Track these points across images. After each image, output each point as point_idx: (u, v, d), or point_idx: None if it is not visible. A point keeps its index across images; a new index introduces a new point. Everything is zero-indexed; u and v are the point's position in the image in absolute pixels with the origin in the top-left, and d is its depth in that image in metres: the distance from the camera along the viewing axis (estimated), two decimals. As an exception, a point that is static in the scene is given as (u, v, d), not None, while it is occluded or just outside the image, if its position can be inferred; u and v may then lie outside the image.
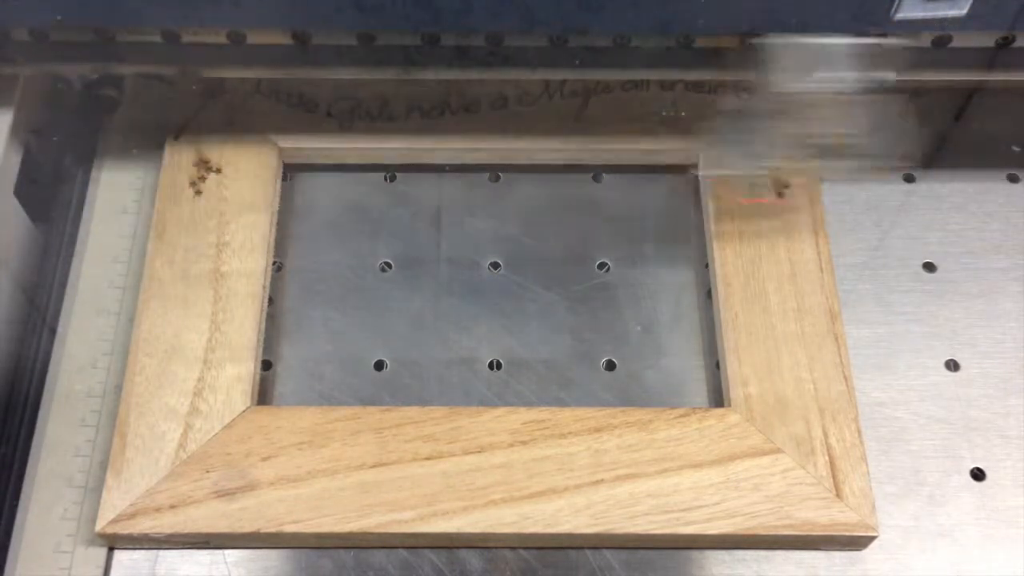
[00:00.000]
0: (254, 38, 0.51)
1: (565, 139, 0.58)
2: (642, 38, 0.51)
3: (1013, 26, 0.47)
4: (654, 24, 0.48)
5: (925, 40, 0.51)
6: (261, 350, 0.52)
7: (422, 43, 0.52)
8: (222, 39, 0.51)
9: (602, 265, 0.57)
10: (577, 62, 0.53)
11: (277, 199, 0.56)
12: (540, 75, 0.56)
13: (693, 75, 0.57)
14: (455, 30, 0.49)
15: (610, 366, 0.54)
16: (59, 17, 0.47)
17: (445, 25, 0.47)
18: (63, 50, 0.52)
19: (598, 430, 0.49)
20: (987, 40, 0.51)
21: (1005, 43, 0.50)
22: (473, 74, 0.55)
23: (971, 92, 0.61)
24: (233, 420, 0.49)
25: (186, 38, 0.50)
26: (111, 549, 0.49)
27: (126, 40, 0.51)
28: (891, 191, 0.59)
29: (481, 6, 0.46)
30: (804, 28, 0.48)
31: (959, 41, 0.50)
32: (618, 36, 0.50)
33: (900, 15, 0.46)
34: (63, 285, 0.55)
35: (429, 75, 0.55)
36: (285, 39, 0.50)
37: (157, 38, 0.50)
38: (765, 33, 0.49)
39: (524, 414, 0.50)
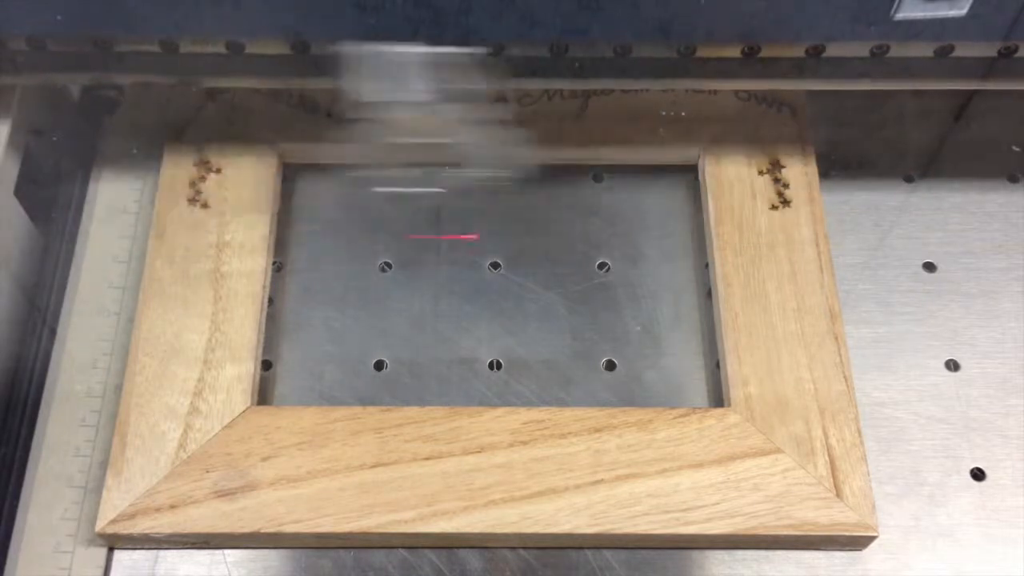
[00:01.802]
0: (253, 48, 0.51)
1: (565, 139, 0.58)
2: (642, 48, 0.51)
3: (1012, 27, 0.47)
4: (653, 32, 0.47)
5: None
6: (261, 350, 0.52)
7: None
8: (221, 48, 0.50)
9: (602, 265, 0.57)
10: (576, 64, 0.53)
11: (277, 199, 0.57)
12: (538, 84, 0.56)
13: (694, 84, 0.56)
14: (455, 35, 0.48)
15: (610, 366, 0.54)
16: (59, 17, 0.47)
17: (445, 27, 0.47)
18: (61, 60, 0.51)
19: (598, 430, 0.49)
20: (989, 50, 0.51)
21: (1007, 53, 0.50)
22: (472, 85, 0.54)
23: (971, 93, 0.61)
24: (233, 420, 0.49)
25: (184, 48, 0.50)
26: (111, 549, 0.49)
27: (124, 50, 0.51)
28: (891, 191, 0.59)
29: (481, 7, 0.46)
30: (804, 30, 0.48)
31: (961, 51, 0.50)
32: (618, 46, 0.50)
33: (900, 15, 0.46)
34: (63, 285, 0.55)
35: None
36: (284, 49, 0.50)
37: (155, 47, 0.50)
38: (765, 40, 0.49)
39: (524, 414, 0.50)
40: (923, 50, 0.50)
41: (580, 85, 0.57)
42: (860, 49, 0.50)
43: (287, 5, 0.47)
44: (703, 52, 0.50)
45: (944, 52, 0.50)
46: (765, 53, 0.50)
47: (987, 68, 0.51)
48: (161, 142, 0.57)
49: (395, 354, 0.54)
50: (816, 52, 0.50)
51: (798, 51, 0.50)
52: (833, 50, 0.50)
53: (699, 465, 0.48)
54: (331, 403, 0.53)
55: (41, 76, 0.52)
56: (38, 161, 0.56)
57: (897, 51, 0.50)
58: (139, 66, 0.52)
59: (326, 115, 0.58)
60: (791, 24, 0.48)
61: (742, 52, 0.50)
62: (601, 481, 0.48)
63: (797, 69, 0.51)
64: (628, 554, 0.49)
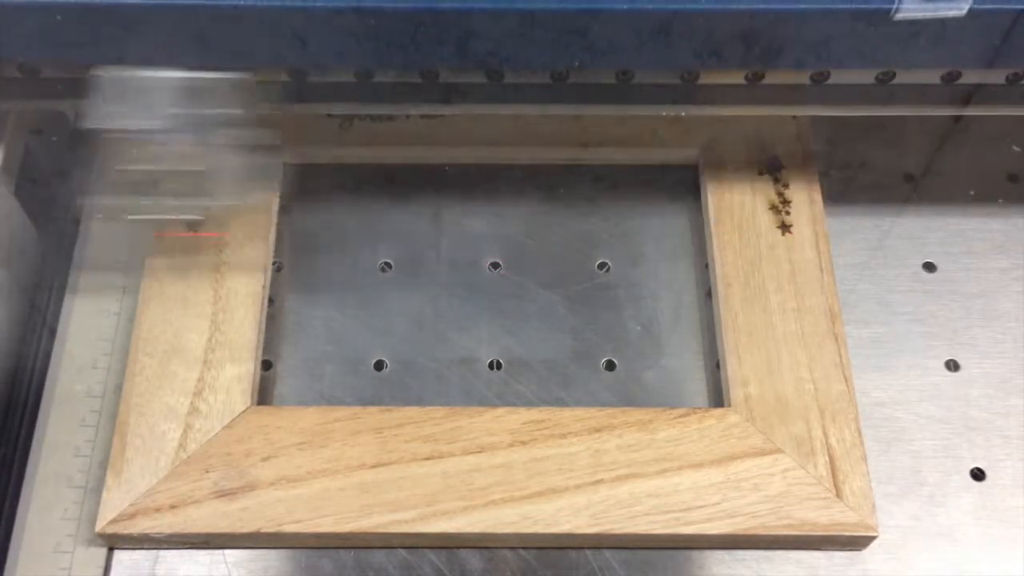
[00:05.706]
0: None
1: (565, 139, 0.58)
2: (644, 73, 0.50)
3: (1012, 27, 0.47)
4: (654, 59, 0.47)
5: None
6: (261, 350, 0.52)
7: (421, 80, 0.51)
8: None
9: (602, 265, 0.57)
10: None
11: (277, 199, 0.56)
12: (539, 111, 0.55)
13: (696, 111, 0.56)
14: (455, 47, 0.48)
15: (610, 366, 0.54)
16: (58, 17, 0.46)
17: (444, 24, 0.47)
18: (54, 86, 0.51)
19: (598, 430, 0.49)
20: (998, 77, 0.50)
21: (1016, 79, 0.50)
22: (471, 110, 0.54)
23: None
24: (233, 420, 0.49)
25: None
26: (111, 549, 0.49)
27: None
28: (891, 191, 0.59)
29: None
30: (803, 30, 0.48)
31: (968, 78, 0.50)
32: (620, 72, 0.50)
33: (900, 15, 0.46)
34: (63, 285, 0.55)
35: (425, 110, 0.54)
36: (282, 76, 0.50)
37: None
38: (767, 51, 0.48)
39: (524, 414, 0.50)
40: (930, 77, 0.50)
41: (581, 111, 0.56)
42: (866, 76, 0.50)
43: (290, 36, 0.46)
44: (706, 78, 0.50)
45: (951, 78, 0.50)
46: (769, 80, 0.50)
47: (994, 94, 0.51)
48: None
49: (395, 354, 0.54)
50: (821, 78, 0.50)
51: (802, 77, 0.50)
52: (838, 76, 0.50)
53: (699, 465, 0.48)
54: (331, 403, 0.53)
55: (33, 103, 0.52)
56: (38, 160, 0.56)
57: (903, 78, 0.50)
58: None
59: (326, 115, 0.58)
60: (789, 24, 0.47)
61: (746, 78, 0.50)
62: (601, 481, 0.48)
63: (802, 95, 0.51)
64: (628, 554, 0.49)
